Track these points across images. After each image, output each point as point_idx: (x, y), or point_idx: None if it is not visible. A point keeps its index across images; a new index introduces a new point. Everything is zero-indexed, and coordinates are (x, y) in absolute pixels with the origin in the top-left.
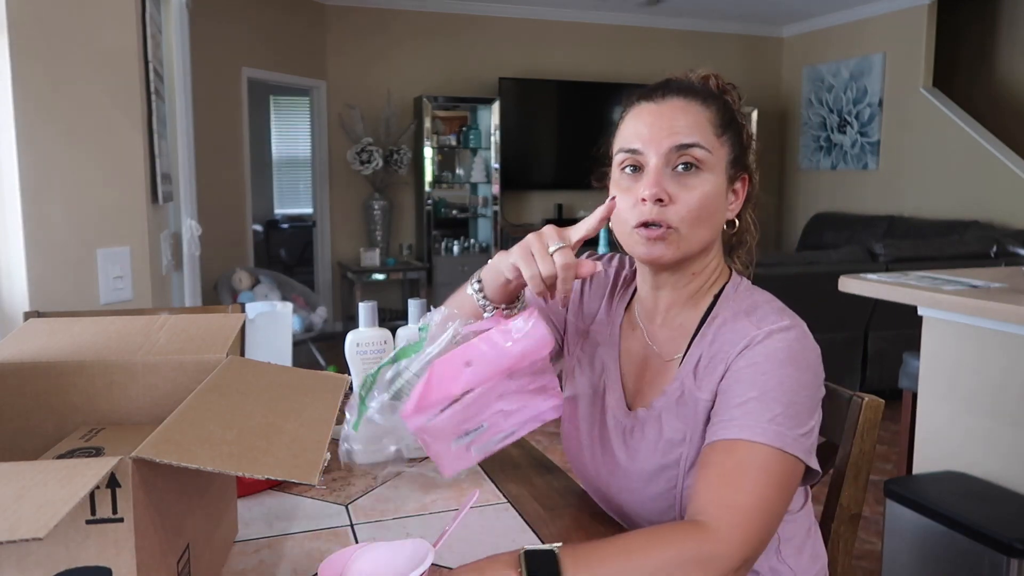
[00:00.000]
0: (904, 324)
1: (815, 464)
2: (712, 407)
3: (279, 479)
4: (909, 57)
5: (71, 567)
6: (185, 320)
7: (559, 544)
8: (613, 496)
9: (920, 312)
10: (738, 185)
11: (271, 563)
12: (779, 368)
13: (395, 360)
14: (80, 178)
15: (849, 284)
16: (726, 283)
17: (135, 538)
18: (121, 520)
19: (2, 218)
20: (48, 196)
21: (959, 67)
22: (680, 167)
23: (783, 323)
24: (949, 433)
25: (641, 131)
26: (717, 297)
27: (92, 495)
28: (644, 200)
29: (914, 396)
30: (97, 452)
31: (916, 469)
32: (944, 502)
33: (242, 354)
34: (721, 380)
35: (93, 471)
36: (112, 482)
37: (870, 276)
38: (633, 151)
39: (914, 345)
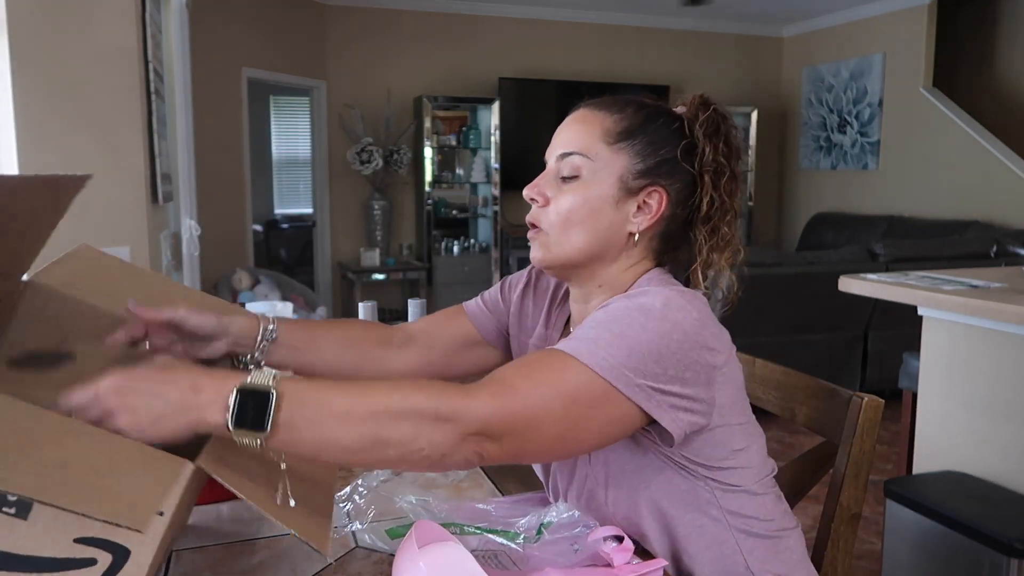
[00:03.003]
0: (904, 324)
1: (658, 413)
2: None
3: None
4: (909, 57)
5: None
6: None
7: (280, 374)
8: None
9: (920, 312)
10: (652, 199)
11: (271, 563)
12: (623, 312)
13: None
14: None
15: (849, 284)
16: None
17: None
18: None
19: None
20: None
21: (959, 67)
22: (563, 173)
23: (650, 289)
24: (949, 433)
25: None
26: None
27: None
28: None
29: (914, 396)
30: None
31: (916, 469)
32: (944, 502)
33: None
34: None
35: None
36: None
37: (870, 276)
38: (546, 161)
39: (914, 345)
